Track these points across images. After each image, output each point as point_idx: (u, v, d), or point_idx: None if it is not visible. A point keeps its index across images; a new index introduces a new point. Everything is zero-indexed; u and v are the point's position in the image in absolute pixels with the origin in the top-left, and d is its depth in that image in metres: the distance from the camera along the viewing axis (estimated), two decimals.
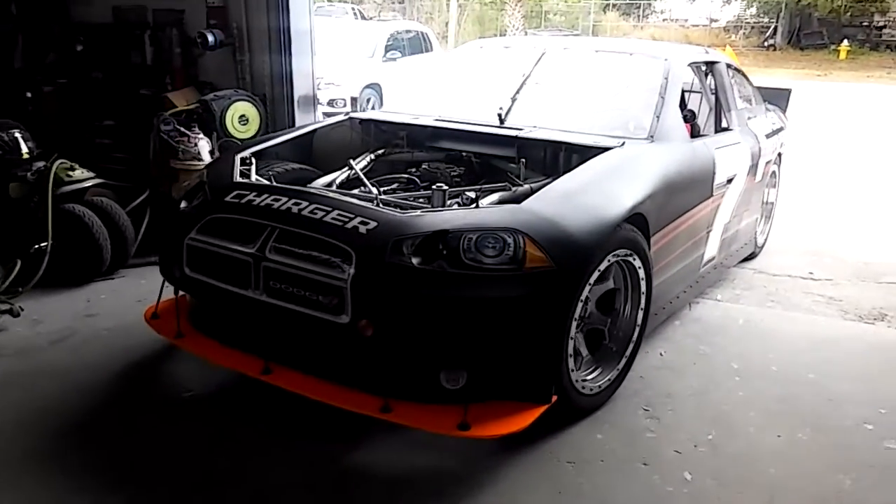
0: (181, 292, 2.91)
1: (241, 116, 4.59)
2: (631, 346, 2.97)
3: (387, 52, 11.17)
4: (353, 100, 7.18)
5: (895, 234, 5.68)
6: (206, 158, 4.41)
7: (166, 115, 4.45)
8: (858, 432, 2.80)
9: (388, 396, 2.41)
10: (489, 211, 2.62)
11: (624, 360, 2.95)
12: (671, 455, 2.61)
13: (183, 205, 2.91)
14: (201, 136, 4.41)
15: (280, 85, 4.70)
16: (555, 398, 2.53)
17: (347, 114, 3.82)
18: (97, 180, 4.24)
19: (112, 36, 5.01)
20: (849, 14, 27.59)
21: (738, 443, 2.70)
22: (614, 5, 33.71)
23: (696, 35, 30.21)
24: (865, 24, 29.59)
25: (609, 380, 2.86)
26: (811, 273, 4.72)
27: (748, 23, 32.79)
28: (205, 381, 3.05)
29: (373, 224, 2.43)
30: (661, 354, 3.37)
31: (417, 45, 12.26)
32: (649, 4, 35.57)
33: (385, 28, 11.74)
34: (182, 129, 4.39)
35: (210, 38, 4.59)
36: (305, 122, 4.86)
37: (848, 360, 3.40)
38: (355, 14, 27.31)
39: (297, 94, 4.75)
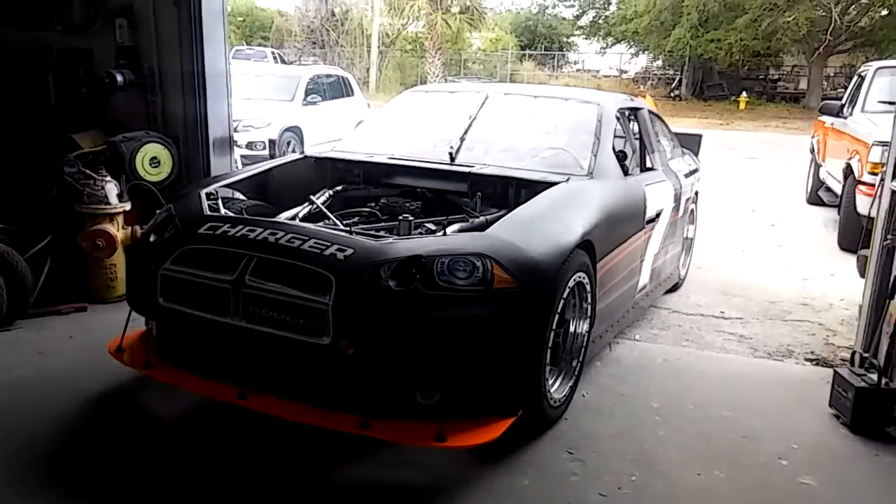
0: (149, 324, 2.99)
1: (153, 159, 4.42)
2: (579, 363, 3.23)
3: (307, 95, 11.14)
4: (272, 142, 7.07)
5: (796, 273, 5.96)
6: (114, 202, 4.22)
7: (70, 157, 4.24)
8: (773, 468, 2.86)
9: (367, 414, 2.53)
10: (457, 238, 2.83)
11: (573, 378, 3.19)
12: (596, 499, 2.59)
13: (152, 238, 2.98)
14: (108, 178, 4.21)
15: (194, 127, 4.57)
16: (521, 412, 2.71)
17: (303, 153, 3.98)
18: None
19: (12, 74, 4.77)
20: (746, 68, 29.53)
21: (660, 482, 2.72)
22: (530, 56, 34.97)
23: (607, 85, 31.58)
24: (762, 77, 31.76)
25: (565, 394, 3.10)
26: (722, 312, 4.88)
27: (655, 74, 34.62)
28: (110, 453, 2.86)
29: (349, 251, 2.58)
30: (583, 396, 3.37)
31: (338, 89, 12.28)
32: (563, 55, 37.09)
33: (305, 72, 11.73)
34: (87, 171, 4.18)
35: (119, 77, 4.43)
36: (221, 165, 4.74)
37: (760, 396, 3.50)
38: (275, 58, 27.30)
39: (212, 136, 4.62)
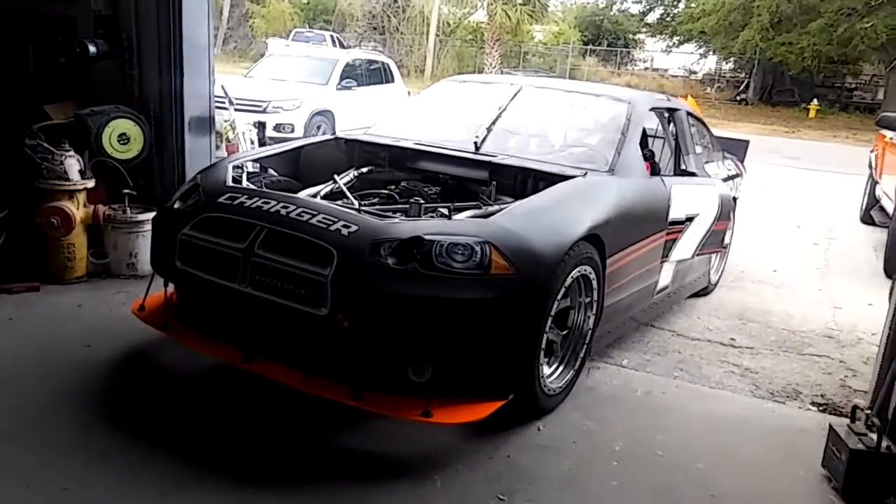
0: (170, 286, 3.14)
1: (122, 135, 4.19)
2: (582, 353, 3.25)
3: (342, 80, 10.89)
4: (261, 126, 6.75)
5: (828, 300, 5.38)
6: (75, 178, 4.01)
7: (33, 129, 4.04)
8: None
9: (360, 386, 2.62)
10: (460, 222, 2.90)
11: (574, 369, 3.21)
12: None
13: (177, 205, 3.10)
14: (71, 153, 4.00)
15: (169, 104, 4.31)
16: (511, 396, 2.77)
17: (333, 133, 4.12)
18: None
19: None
20: (822, 74, 28.01)
21: None
22: (593, 51, 34.01)
23: (672, 85, 30.52)
24: (837, 84, 30.07)
25: (564, 385, 3.14)
26: (732, 339, 4.39)
27: (724, 76, 33.25)
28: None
29: (354, 227, 2.68)
30: (538, 430, 2.98)
31: (377, 75, 12.01)
32: (628, 53, 35.98)
33: (343, 56, 11.48)
34: (47, 145, 3.98)
35: (91, 48, 4.21)
36: (199, 146, 4.48)
37: (745, 447, 3.04)
38: (334, 42, 27.25)
39: (188, 115, 4.35)
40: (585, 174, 3.41)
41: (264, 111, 9.86)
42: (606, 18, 34.72)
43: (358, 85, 11.16)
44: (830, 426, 2.78)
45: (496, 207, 3.16)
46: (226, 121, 7.16)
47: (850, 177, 11.97)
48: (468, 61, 31.66)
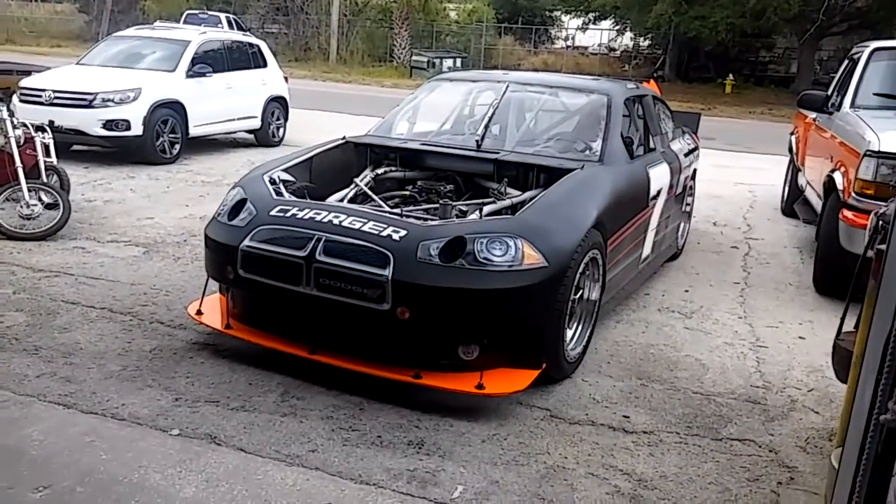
0: (228, 291, 3.51)
1: None
2: (592, 323, 3.61)
3: (194, 65, 9.18)
4: (51, 125, 5.21)
5: (750, 335, 4.21)
6: None
7: None
8: None
9: (419, 367, 3.05)
10: (493, 221, 3.33)
11: (586, 339, 3.56)
12: None
13: (226, 218, 3.42)
14: None
15: None
16: (545, 365, 3.17)
17: (344, 137, 4.36)
18: None
19: None
20: (736, 49, 27.58)
21: None
22: (509, 29, 32.73)
23: (590, 63, 29.69)
24: (752, 58, 29.82)
25: (578, 352, 3.50)
26: (626, 418, 3.15)
27: (642, 53, 32.60)
28: None
29: (403, 232, 3.09)
30: None
31: (244, 59, 10.34)
32: (546, 30, 34.87)
33: (196, 38, 9.74)
34: None
35: None
36: None
37: None
38: (231, 24, 25.12)
39: None
40: (583, 166, 3.78)
41: (90, 105, 8.18)
42: None
43: (215, 71, 9.47)
44: None
45: (509, 202, 3.64)
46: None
47: (768, 157, 11.10)
48: (379, 42, 30.01)
